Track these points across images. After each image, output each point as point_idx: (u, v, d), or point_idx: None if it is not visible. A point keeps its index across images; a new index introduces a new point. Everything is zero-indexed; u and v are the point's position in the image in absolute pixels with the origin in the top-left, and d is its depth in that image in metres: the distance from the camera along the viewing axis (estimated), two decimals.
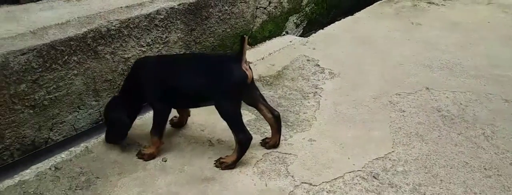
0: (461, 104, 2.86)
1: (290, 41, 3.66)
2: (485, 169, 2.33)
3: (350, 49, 3.55)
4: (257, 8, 3.40)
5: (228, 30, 3.24)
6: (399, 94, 2.97)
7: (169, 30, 2.81)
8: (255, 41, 3.54)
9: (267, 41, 3.64)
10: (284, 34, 3.79)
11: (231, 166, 2.26)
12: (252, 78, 2.15)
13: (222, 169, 2.27)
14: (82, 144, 2.42)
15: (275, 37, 3.71)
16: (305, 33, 4.06)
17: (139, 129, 2.56)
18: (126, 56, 2.64)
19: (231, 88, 2.09)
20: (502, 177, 2.27)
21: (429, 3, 4.45)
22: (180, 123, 2.57)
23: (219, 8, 3.07)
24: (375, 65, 3.33)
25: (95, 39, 2.43)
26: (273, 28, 3.65)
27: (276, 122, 2.33)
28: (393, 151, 2.45)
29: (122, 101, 2.29)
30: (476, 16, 4.17)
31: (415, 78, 3.16)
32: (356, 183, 2.21)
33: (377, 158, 2.39)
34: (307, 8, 3.91)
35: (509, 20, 4.09)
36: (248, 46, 3.50)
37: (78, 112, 2.55)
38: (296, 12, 3.82)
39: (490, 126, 2.64)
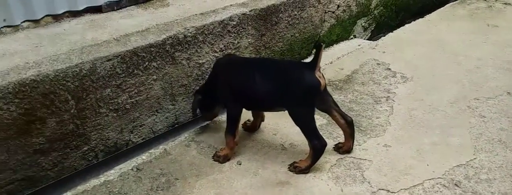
0: None
1: (359, 45, 3.60)
2: None
3: (422, 52, 3.44)
4: (325, 12, 3.39)
5: (297, 35, 3.25)
6: (478, 99, 2.83)
7: (240, 35, 2.86)
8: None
9: (334, 45, 3.61)
10: (352, 38, 3.74)
11: (305, 170, 2.26)
12: (325, 85, 2.16)
13: (296, 173, 2.27)
14: (160, 146, 2.52)
15: (343, 41, 3.67)
16: (373, 37, 3.98)
17: (213, 132, 2.62)
18: (200, 61, 2.72)
19: (304, 95, 2.11)
20: None
21: (506, 3, 4.23)
22: (253, 127, 2.61)
23: (289, 13, 3.09)
24: (450, 68, 3.20)
25: (173, 45, 2.52)
26: (341, 31, 3.62)
27: (349, 127, 2.31)
28: (475, 158, 2.34)
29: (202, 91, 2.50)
30: None
31: (495, 82, 3.01)
32: (437, 191, 2.13)
33: (458, 165, 2.29)
34: (375, 11, 3.84)
35: None
36: (315, 50, 3.50)
37: (156, 115, 2.65)
38: (365, 15, 3.76)
39: None
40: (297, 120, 2.18)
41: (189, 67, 2.69)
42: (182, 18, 2.67)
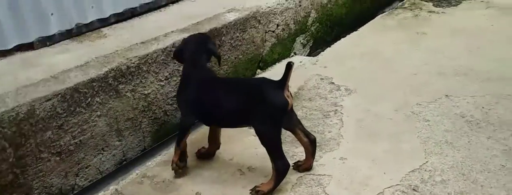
0: (483, 108, 2.86)
1: (300, 62, 3.67)
2: None
3: (361, 64, 3.56)
4: (266, 32, 3.43)
5: (240, 56, 3.25)
6: (420, 104, 2.96)
7: None
8: (266, 65, 3.55)
9: (277, 64, 3.65)
10: (292, 55, 3.81)
11: (268, 194, 2.22)
12: (292, 104, 2.17)
13: None
14: (111, 187, 2.39)
15: (284, 58, 3.72)
16: (312, 53, 4.08)
17: (167, 165, 2.52)
18: (145, 92, 2.63)
19: (272, 114, 2.09)
20: None
21: (430, 12, 4.51)
22: (208, 154, 2.54)
23: (231, 35, 3.09)
24: (389, 77, 3.34)
25: (116, 78, 2.42)
26: (282, 50, 3.67)
27: (311, 146, 2.32)
28: (427, 162, 2.42)
29: None
30: (478, 20, 4.22)
31: (432, 86, 3.16)
32: None
33: (412, 170, 2.36)
34: (312, 28, 3.95)
35: (510, 22, 4.13)
36: (259, 70, 3.52)
37: (102, 154, 2.52)
38: (303, 32, 3.85)
39: None
40: (263, 139, 2.15)
41: (134, 99, 2.59)
42: (122, 48, 2.58)
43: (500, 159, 2.39)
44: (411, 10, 4.60)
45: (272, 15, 3.42)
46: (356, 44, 3.92)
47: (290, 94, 2.15)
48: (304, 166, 2.38)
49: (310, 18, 3.88)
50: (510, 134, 2.58)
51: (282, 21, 3.54)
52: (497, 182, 2.24)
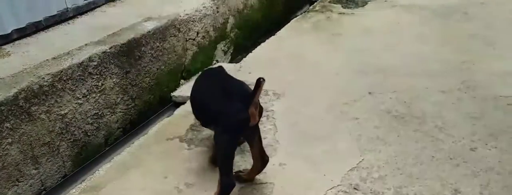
0: (405, 102, 2.99)
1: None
2: (451, 159, 2.43)
3: (284, 67, 3.57)
4: (186, 41, 3.29)
5: (163, 67, 3.08)
6: (346, 103, 3.02)
7: (104, 76, 2.59)
8: (189, 75, 3.41)
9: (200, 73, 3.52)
10: (215, 63, 3.71)
11: None
12: (257, 122, 2.05)
13: None
14: None
15: (207, 67, 3.60)
16: (233, 59, 4.01)
17: (92, 191, 2.29)
18: (62, 112, 2.37)
19: (231, 127, 1.98)
20: (468, 163, 2.38)
21: (340, 13, 4.67)
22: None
23: (151, 45, 2.92)
24: (314, 79, 3.37)
25: (28, 99, 2.14)
26: (204, 58, 3.56)
27: (262, 165, 2.22)
28: (363, 159, 2.46)
29: None
30: (386, 19, 4.45)
31: (355, 85, 3.25)
32: None
33: (351, 169, 2.38)
34: (231, 34, 3.88)
35: (415, 20, 4.42)
36: (183, 80, 3.37)
37: (17, 185, 2.22)
38: (223, 39, 3.77)
39: (439, 118, 2.78)
40: (217, 148, 2.11)
41: (50, 121, 2.32)
42: (31, 66, 2.30)
43: (429, 150, 2.50)
44: (323, 12, 4.73)
45: (191, 22, 3.30)
46: (277, 48, 3.92)
47: (257, 112, 2.01)
48: (247, 177, 2.29)
49: (229, 24, 3.81)
50: (434, 126, 2.71)
51: (201, 29, 3.43)
52: (431, 173, 2.33)
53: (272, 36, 4.25)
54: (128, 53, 2.73)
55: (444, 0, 4.88)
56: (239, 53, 4.10)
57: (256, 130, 2.13)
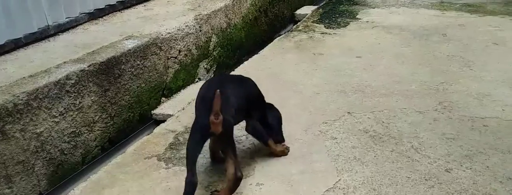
0: (383, 122, 3.02)
1: None
2: (426, 180, 2.45)
3: (265, 86, 3.55)
4: (168, 59, 3.31)
5: (143, 85, 3.08)
6: (326, 123, 3.04)
7: (81, 94, 2.59)
8: (170, 93, 3.42)
9: (182, 91, 3.53)
10: (197, 81, 3.72)
11: None
12: (226, 132, 2.18)
13: None
14: None
15: (189, 85, 3.62)
16: None
17: None
18: (37, 131, 2.35)
19: (194, 129, 2.21)
20: (443, 184, 2.40)
21: (323, 33, 4.74)
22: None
23: (131, 63, 2.92)
24: (294, 98, 3.40)
25: (2, 117, 2.13)
26: (186, 76, 3.57)
27: (234, 182, 2.24)
28: (339, 180, 2.47)
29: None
30: (367, 40, 4.53)
31: (335, 104, 3.28)
32: None
33: (327, 190, 2.39)
34: (214, 52, 3.91)
35: (395, 40, 4.50)
36: (164, 98, 3.38)
37: None
38: (205, 57, 3.79)
39: (415, 138, 2.82)
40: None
41: (25, 139, 2.30)
42: (7, 84, 2.29)
43: (405, 171, 2.52)
44: (306, 32, 4.79)
45: (173, 41, 3.32)
46: (258, 67, 3.96)
47: (218, 121, 2.09)
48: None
49: (211, 42, 3.84)
50: (410, 146, 2.74)
51: (184, 47, 3.45)
52: (406, 194, 2.35)
53: (255, 55, 4.29)
54: (107, 71, 2.73)
55: (424, 22, 5.00)
56: (222, 70, 4.12)
57: (225, 141, 2.23)
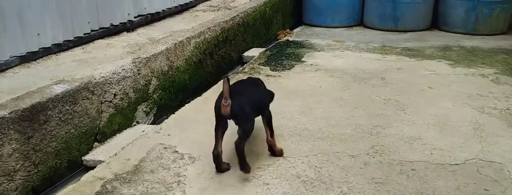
0: (316, 166, 3.05)
1: (143, 131, 3.54)
2: None
3: (205, 129, 3.57)
4: (102, 103, 3.25)
5: (72, 130, 3.01)
6: (260, 167, 3.04)
7: (1, 142, 2.49)
8: (104, 137, 3.34)
9: (117, 135, 3.46)
10: (135, 124, 3.66)
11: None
12: (230, 113, 2.79)
13: None
14: None
15: (126, 129, 3.55)
16: (156, 120, 3.99)
17: None
18: None
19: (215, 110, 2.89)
20: None
21: (268, 75, 4.82)
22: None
23: (59, 109, 2.86)
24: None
25: None
26: (122, 120, 3.51)
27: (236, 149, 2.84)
28: None
29: None
30: (309, 82, 4.63)
31: None
32: None
33: None
34: (155, 95, 3.89)
35: (336, 83, 4.63)
36: (97, 143, 3.30)
37: None
38: (144, 100, 3.76)
39: (345, 183, 2.85)
40: None
41: None
42: None
43: None
44: (251, 74, 4.86)
45: (108, 85, 3.28)
46: (200, 110, 3.95)
47: (227, 103, 2.75)
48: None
49: (151, 85, 3.83)
50: (340, 191, 2.76)
51: (119, 91, 3.42)
52: None
53: (198, 97, 4.29)
54: (31, 117, 2.66)
55: (365, 65, 5.18)
56: (163, 113, 4.09)
57: (229, 120, 2.86)
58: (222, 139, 2.91)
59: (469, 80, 4.71)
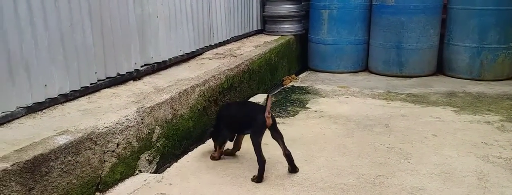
0: None
1: (144, 180, 3.55)
2: None
3: (206, 179, 3.58)
4: (104, 153, 3.29)
5: (74, 181, 3.03)
6: None
7: (2, 194, 2.52)
8: (106, 187, 3.35)
9: (119, 184, 3.47)
10: (137, 173, 3.68)
11: (259, 180, 3.49)
12: (272, 123, 3.47)
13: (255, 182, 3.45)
14: None
15: (128, 178, 3.57)
16: (159, 168, 4.00)
17: None
18: None
19: (258, 126, 3.43)
20: None
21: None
22: (231, 153, 3.97)
23: (62, 160, 2.90)
24: (233, 192, 3.37)
25: None
26: (124, 169, 3.53)
27: (287, 157, 3.61)
28: None
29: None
30: (313, 129, 4.65)
31: None
32: None
33: None
34: (158, 143, 3.92)
35: (340, 130, 4.63)
36: (98, 193, 3.31)
37: None
38: (147, 149, 3.79)
39: None
40: (252, 141, 3.46)
41: None
42: None
43: None
44: None
45: (111, 135, 3.34)
46: (203, 158, 3.97)
47: (270, 116, 3.42)
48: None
49: (155, 134, 3.87)
50: None
51: (122, 140, 3.46)
52: None
53: (202, 144, 4.32)
54: (33, 169, 2.69)
55: (369, 112, 5.20)
56: (167, 161, 4.10)
57: (274, 129, 3.54)
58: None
59: (474, 127, 4.69)
